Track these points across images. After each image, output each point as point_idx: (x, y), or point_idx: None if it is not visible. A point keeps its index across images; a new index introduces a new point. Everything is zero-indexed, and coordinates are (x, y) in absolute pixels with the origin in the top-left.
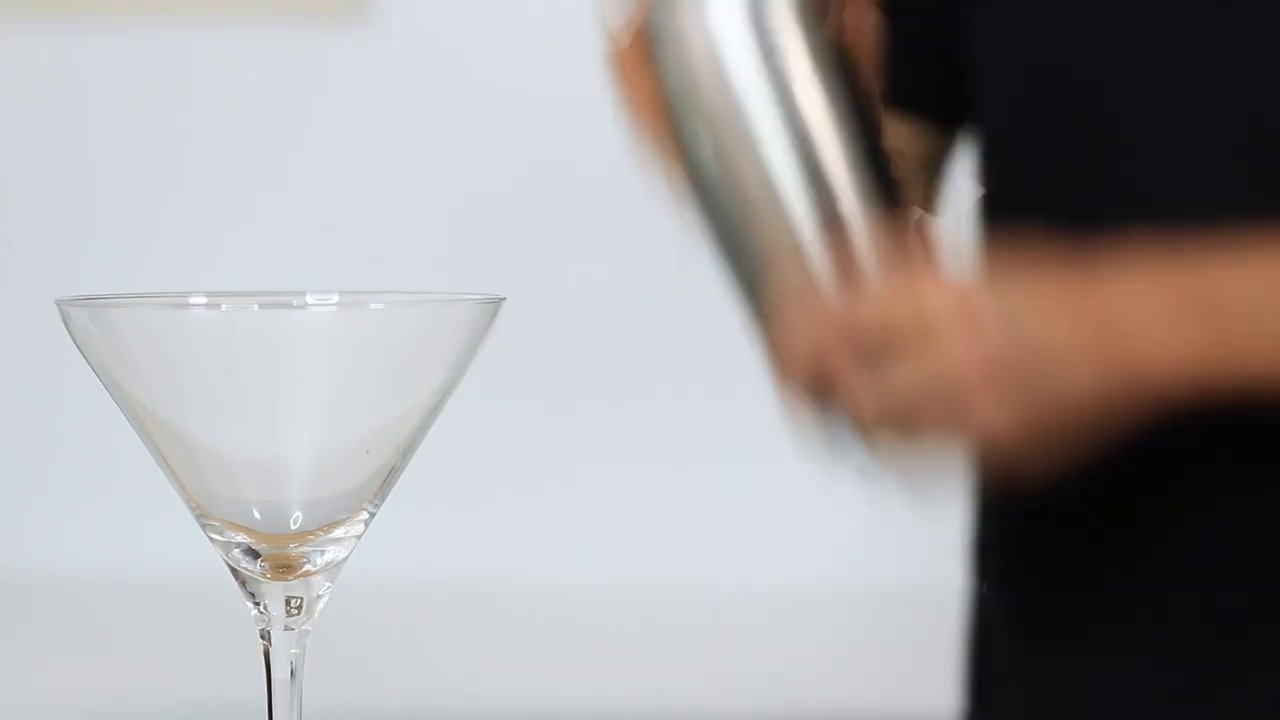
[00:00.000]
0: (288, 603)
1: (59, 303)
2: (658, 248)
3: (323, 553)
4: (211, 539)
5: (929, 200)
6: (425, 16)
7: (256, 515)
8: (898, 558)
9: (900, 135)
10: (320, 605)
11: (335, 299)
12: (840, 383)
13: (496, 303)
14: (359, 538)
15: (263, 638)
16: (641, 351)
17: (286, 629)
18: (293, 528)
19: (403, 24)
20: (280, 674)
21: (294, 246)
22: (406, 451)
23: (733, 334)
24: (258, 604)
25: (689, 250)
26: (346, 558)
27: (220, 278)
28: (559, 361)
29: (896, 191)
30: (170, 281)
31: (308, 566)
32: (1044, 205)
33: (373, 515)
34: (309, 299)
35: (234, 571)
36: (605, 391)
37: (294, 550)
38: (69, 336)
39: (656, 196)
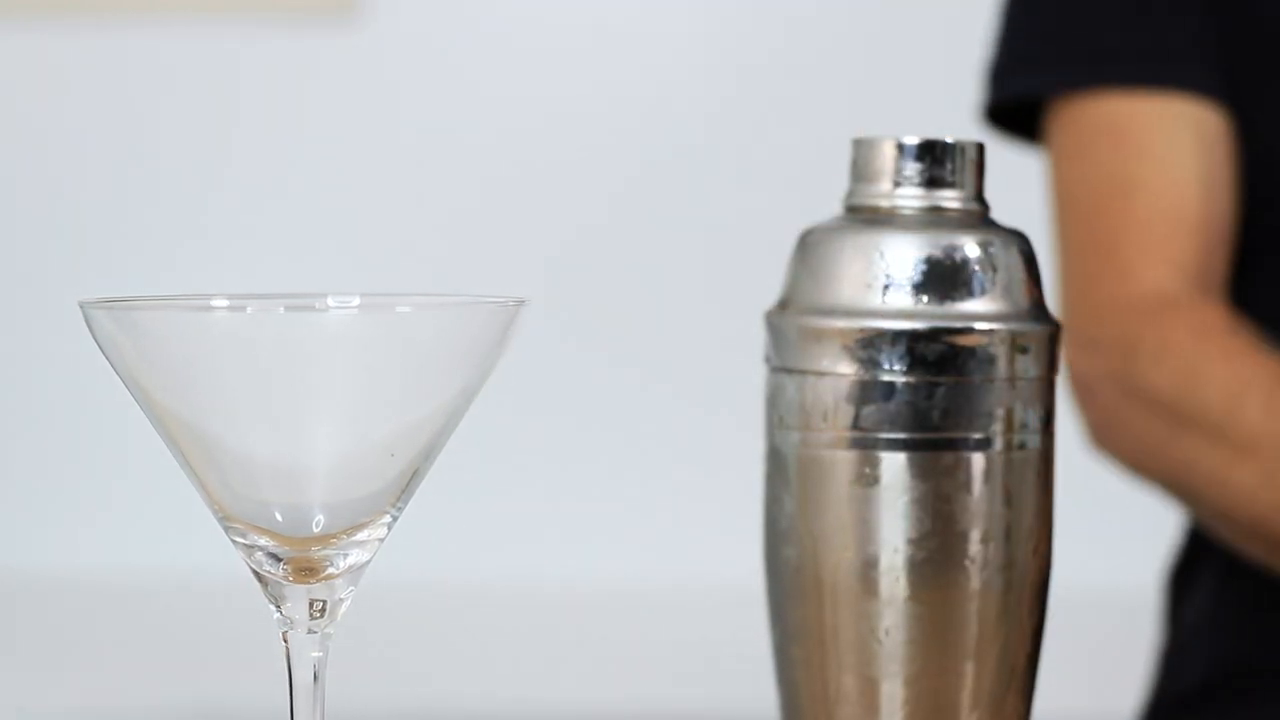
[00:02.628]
0: (310, 605)
1: (82, 305)
2: (650, 243)
3: (345, 555)
4: (234, 541)
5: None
6: (415, 16)
7: (278, 518)
8: None
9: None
10: (343, 608)
11: (357, 301)
12: None
13: (519, 305)
14: (381, 541)
15: (285, 641)
16: (650, 354)
17: (309, 632)
18: (315, 530)
19: (393, 24)
20: (303, 677)
21: (282, 247)
22: (429, 454)
23: (746, 335)
24: (280, 607)
25: None
26: (369, 561)
27: (212, 277)
28: (564, 364)
29: None
30: (158, 282)
31: (330, 569)
32: None
33: (395, 518)
34: (331, 301)
35: (256, 574)
36: (627, 394)
37: (316, 553)
38: (87, 338)
39: None
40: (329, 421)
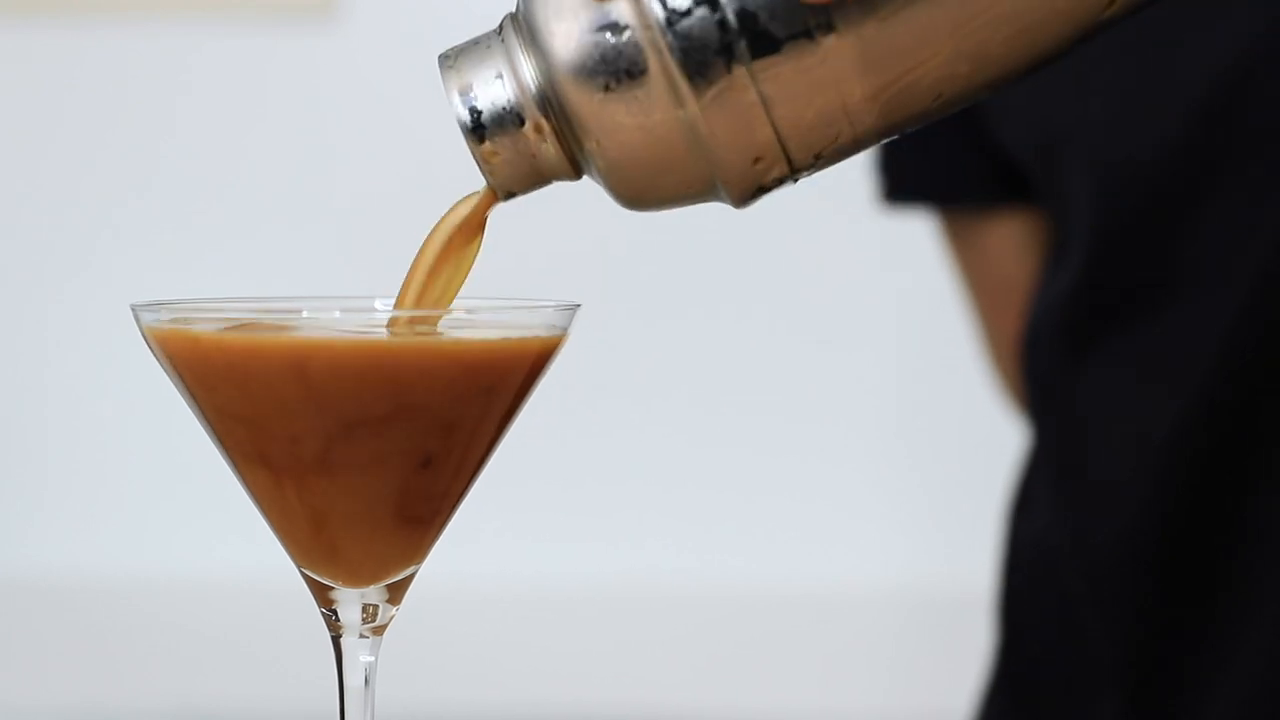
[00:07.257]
0: (363, 610)
1: (134, 307)
2: (652, 241)
3: None
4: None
5: None
6: (396, 15)
7: None
8: (907, 559)
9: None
10: (393, 612)
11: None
12: None
13: (573, 309)
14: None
15: (336, 645)
16: (654, 354)
17: (361, 636)
18: None
19: (373, 23)
20: (354, 681)
21: (269, 247)
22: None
23: (758, 336)
24: (332, 611)
25: None
26: (421, 565)
27: (196, 277)
28: (606, 368)
29: None
30: (145, 282)
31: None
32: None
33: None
34: (379, 305)
35: (308, 578)
36: (669, 399)
37: None
38: (130, 341)
39: None
40: None
